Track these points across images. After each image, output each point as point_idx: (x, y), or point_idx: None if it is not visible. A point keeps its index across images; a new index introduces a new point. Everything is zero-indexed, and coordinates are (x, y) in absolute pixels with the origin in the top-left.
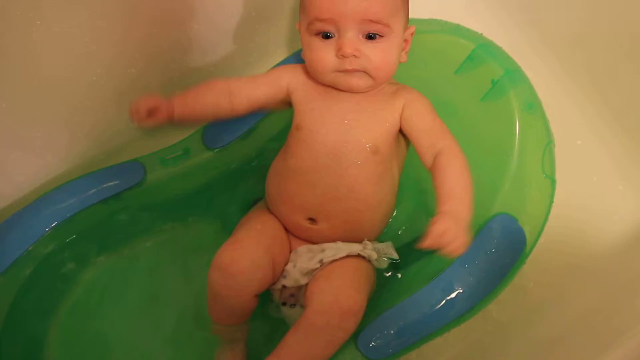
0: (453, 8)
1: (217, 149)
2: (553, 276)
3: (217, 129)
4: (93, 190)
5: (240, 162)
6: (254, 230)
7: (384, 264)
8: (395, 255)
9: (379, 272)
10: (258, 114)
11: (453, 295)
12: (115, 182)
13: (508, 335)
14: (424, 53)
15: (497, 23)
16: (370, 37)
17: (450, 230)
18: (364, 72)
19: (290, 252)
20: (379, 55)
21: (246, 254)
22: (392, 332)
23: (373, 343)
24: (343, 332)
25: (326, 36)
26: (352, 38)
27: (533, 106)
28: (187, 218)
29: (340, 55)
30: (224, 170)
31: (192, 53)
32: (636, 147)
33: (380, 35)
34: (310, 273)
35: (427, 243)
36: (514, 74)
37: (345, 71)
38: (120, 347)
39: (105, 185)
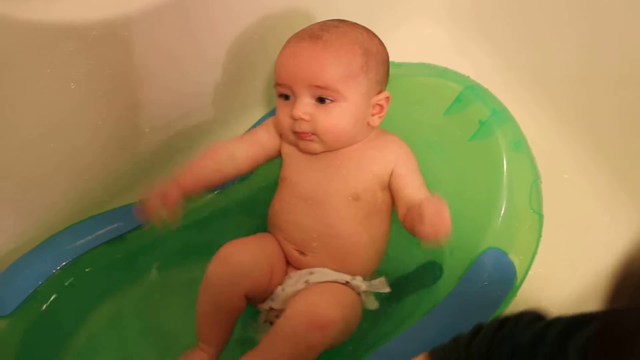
0: (445, 50)
1: (217, 191)
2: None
3: None
4: (99, 232)
5: (238, 202)
6: (258, 238)
7: (372, 305)
8: (387, 290)
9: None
10: None
11: (448, 328)
12: (120, 224)
13: None
14: (415, 95)
15: (489, 63)
16: (322, 100)
17: (443, 208)
18: (315, 135)
19: (284, 275)
20: (327, 120)
21: (248, 250)
22: None
23: None
24: (306, 346)
25: (287, 97)
26: (304, 102)
27: (519, 145)
28: (190, 258)
29: (291, 117)
30: (224, 210)
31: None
32: (621, 180)
33: (331, 100)
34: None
35: (427, 228)
36: (500, 114)
37: (297, 134)
38: None
39: (110, 227)
